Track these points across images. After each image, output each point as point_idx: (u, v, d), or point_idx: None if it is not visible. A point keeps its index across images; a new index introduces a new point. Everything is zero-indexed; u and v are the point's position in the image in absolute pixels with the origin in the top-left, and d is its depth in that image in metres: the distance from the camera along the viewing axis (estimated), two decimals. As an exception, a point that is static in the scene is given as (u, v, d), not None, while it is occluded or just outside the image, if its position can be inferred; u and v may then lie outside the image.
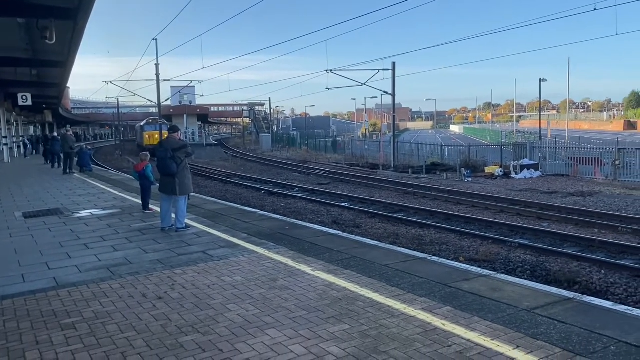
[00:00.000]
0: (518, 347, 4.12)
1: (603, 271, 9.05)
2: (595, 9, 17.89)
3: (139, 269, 6.83)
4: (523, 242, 11.15)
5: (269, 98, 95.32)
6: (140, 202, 11.85)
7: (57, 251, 7.99)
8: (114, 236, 8.99)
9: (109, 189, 16.19)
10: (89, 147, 28.80)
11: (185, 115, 65.27)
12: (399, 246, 9.01)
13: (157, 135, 40.75)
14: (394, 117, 36.12)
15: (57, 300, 5.68)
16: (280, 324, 4.78)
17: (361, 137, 63.97)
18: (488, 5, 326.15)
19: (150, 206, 11.50)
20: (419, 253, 7.69)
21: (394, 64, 32.66)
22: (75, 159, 23.17)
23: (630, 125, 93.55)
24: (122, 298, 5.69)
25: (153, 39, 35.50)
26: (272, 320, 4.88)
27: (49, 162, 27.15)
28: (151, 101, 45.10)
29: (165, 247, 8.05)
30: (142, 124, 51.57)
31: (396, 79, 32.59)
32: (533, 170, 24.76)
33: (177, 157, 8.98)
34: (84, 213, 11.62)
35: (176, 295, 5.72)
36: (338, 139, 55.91)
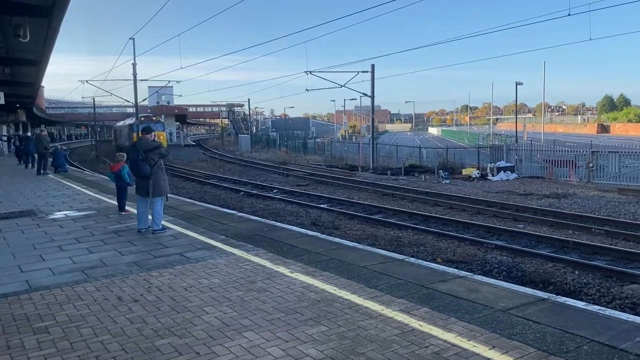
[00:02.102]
0: (494, 347, 4.17)
1: (577, 272, 9.21)
2: (569, 14, 18.23)
3: (115, 272, 6.73)
4: (499, 243, 11.29)
5: (248, 99, 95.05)
6: (117, 203, 11.68)
7: (30, 253, 7.83)
8: (89, 238, 8.85)
9: (84, 190, 15.93)
10: (64, 148, 28.25)
11: (162, 116, 64.52)
12: (378, 247, 9.05)
13: (159, 136, 37.21)
14: (372, 119, 36.31)
15: (29, 303, 5.57)
16: (258, 326, 4.76)
17: (340, 138, 64.15)
18: (465, 9, 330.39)
19: (127, 207, 11.34)
20: (397, 254, 7.73)
21: (373, 66, 32.84)
22: (50, 160, 22.76)
23: (603, 129, 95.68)
24: (97, 301, 5.60)
25: (130, 38, 35.07)
26: (249, 323, 4.85)
27: (22, 162, 26.62)
28: (128, 101, 44.14)
29: (141, 249, 7.95)
30: (129, 122, 44.42)
31: (375, 81, 32.83)
32: (509, 172, 25.12)
33: (150, 159, 8.88)
34: (59, 214, 11.41)
35: (152, 298, 5.65)
36: (317, 140, 55.93)
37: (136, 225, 9.37)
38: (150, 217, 9.20)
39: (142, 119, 40.98)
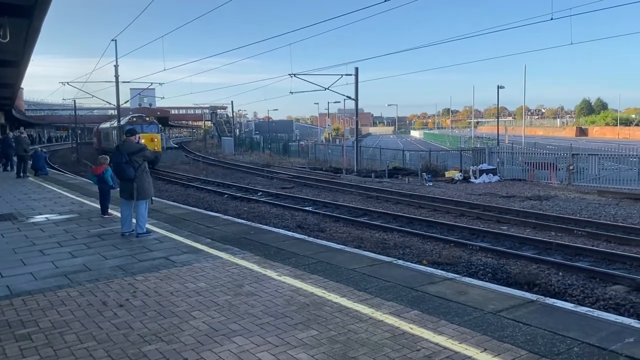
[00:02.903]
0: (485, 350, 4.17)
1: (561, 273, 9.29)
2: (552, 19, 18.46)
3: (99, 276, 6.60)
4: (484, 245, 11.34)
5: (232, 101, 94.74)
6: (99, 206, 11.50)
7: (11, 258, 7.65)
8: (72, 242, 8.68)
9: (65, 193, 15.67)
10: (44, 150, 27.67)
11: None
12: (364, 250, 9.03)
13: (153, 138, 35.06)
14: (356, 121, 36.41)
15: (10, 309, 5.43)
16: (247, 331, 4.69)
17: (324, 141, 64.16)
18: (447, 13, 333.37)
19: (110, 211, 11.18)
20: (385, 257, 7.71)
21: (356, 69, 32.97)
22: (30, 162, 22.35)
23: (581, 132, 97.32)
24: (81, 306, 5.48)
25: (112, 40, 34.59)
26: (238, 327, 4.79)
27: (1, 165, 26.10)
28: (110, 103, 43.22)
29: (125, 253, 7.82)
30: (119, 124, 37.56)
31: (359, 84, 32.91)
32: (492, 175, 25.32)
33: (134, 161, 8.77)
34: (40, 218, 11.19)
35: (138, 303, 5.55)
36: (301, 142, 55.91)
37: (120, 229, 9.23)
38: (134, 220, 9.07)
39: (134, 119, 37.88)
